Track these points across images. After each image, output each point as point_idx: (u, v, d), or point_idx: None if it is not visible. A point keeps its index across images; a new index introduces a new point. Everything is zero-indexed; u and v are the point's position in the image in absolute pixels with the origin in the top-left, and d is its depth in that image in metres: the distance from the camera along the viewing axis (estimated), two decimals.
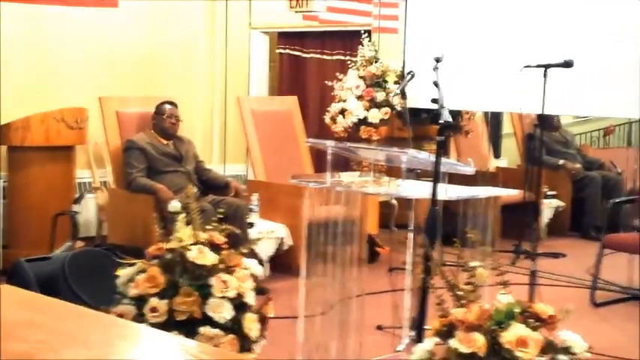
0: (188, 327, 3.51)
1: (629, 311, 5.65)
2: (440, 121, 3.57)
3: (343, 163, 6.32)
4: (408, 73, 4.14)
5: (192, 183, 5.73)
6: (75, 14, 6.77)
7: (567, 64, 4.54)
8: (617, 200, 6.93)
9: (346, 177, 4.74)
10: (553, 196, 8.20)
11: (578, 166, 8.56)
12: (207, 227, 3.79)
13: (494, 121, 9.36)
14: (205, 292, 3.55)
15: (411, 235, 4.15)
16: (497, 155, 9.38)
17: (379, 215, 6.69)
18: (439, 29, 7.11)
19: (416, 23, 7.38)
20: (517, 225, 6.90)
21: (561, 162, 8.48)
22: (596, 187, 8.44)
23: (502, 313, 2.98)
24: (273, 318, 3.89)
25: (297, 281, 4.41)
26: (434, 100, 3.70)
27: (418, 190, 4.13)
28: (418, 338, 3.49)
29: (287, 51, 8.49)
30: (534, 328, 2.96)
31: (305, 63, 8.46)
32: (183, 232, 3.67)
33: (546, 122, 6.61)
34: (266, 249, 6.03)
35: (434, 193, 3.61)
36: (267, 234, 6.07)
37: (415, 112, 6.95)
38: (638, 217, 6.44)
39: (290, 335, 4.37)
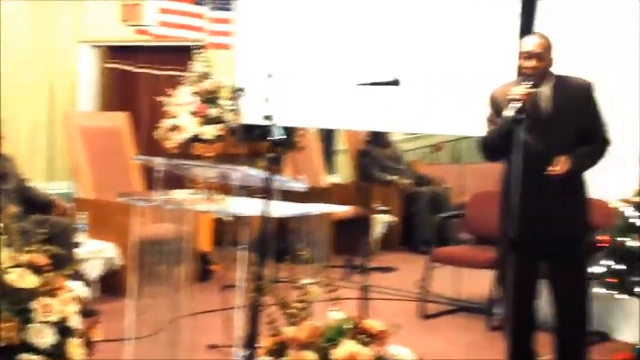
0: (8, 354, 3.31)
1: (457, 322, 5.83)
2: (271, 138, 3.55)
3: (177, 180, 6.19)
4: (239, 90, 4.11)
5: (13, 202, 5.45)
6: None
7: (394, 83, 4.63)
8: (445, 215, 7.15)
9: (179, 194, 4.64)
10: (384, 212, 8.36)
11: (408, 181, 8.78)
12: (29, 248, 3.60)
13: (327, 137, 9.47)
14: (26, 317, 3.37)
15: (243, 253, 4.10)
16: (330, 171, 9.48)
17: (213, 232, 6.61)
18: (272, 45, 7.11)
19: (248, 39, 7.36)
20: (349, 240, 6.98)
21: (392, 178, 8.67)
22: (425, 202, 8.70)
23: (333, 329, 2.99)
24: (101, 341, 3.73)
25: (129, 302, 4.28)
26: (266, 117, 3.68)
27: (251, 207, 4.09)
28: (250, 357, 3.43)
29: (117, 65, 8.27)
30: (365, 344, 2.97)
31: (136, 78, 8.27)
32: (3, 255, 3.48)
33: (378, 139, 6.74)
34: (95, 269, 5.83)
35: (265, 211, 3.58)
36: (96, 254, 5.87)
37: (249, 129, 6.91)
38: (465, 230, 6.66)
39: (119, 358, 4.22)
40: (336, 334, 2.94)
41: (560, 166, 3.89)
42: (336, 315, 3.04)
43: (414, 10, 6.45)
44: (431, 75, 6.31)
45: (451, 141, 10.84)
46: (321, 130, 8.93)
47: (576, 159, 3.95)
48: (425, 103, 6.37)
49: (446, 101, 6.32)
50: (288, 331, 2.96)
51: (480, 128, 4.34)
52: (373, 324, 3.04)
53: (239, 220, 4.28)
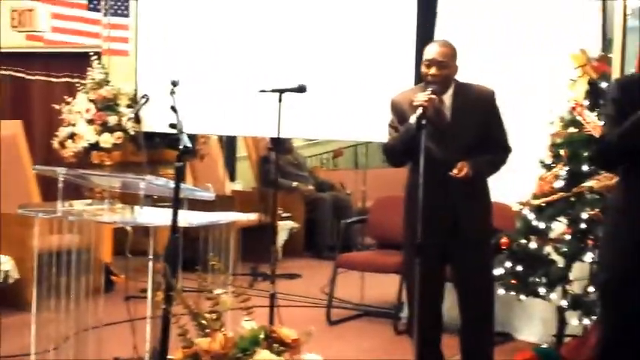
0: None
1: (363, 327, 5.87)
2: (179, 147, 3.49)
3: (74, 190, 6.03)
4: (142, 97, 4.02)
5: None
6: None
7: (301, 89, 4.63)
8: (349, 220, 7.20)
9: (79, 205, 4.53)
10: (287, 218, 8.35)
11: (310, 187, 8.81)
12: None
13: (228, 144, 9.41)
14: None
15: (150, 263, 4.02)
16: (232, 178, 9.43)
17: (113, 242, 6.46)
18: (174, 52, 7.03)
19: (148, 45, 7.25)
20: (253, 248, 6.92)
21: (294, 184, 8.68)
22: (327, 208, 8.74)
23: (246, 340, 2.96)
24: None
25: (27, 316, 4.14)
26: (172, 125, 3.62)
27: (158, 217, 4.02)
28: None
29: (9, 72, 8.01)
30: (279, 353, 2.96)
31: (29, 85, 8.03)
32: None
33: (280, 145, 6.74)
34: None
35: (174, 221, 3.51)
36: None
37: (148, 136, 6.81)
38: (369, 235, 6.72)
39: None
40: (249, 344, 2.91)
41: (460, 170, 3.94)
42: (249, 324, 3.01)
43: (316, 17, 6.49)
44: (331, 81, 6.36)
45: (351, 146, 10.93)
46: (222, 137, 8.88)
47: (477, 164, 4.01)
48: (325, 110, 6.41)
49: (346, 107, 6.37)
50: (201, 343, 2.92)
51: (380, 134, 4.37)
52: (286, 332, 3.02)
53: (142, 230, 4.20)
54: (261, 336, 2.96)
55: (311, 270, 7.73)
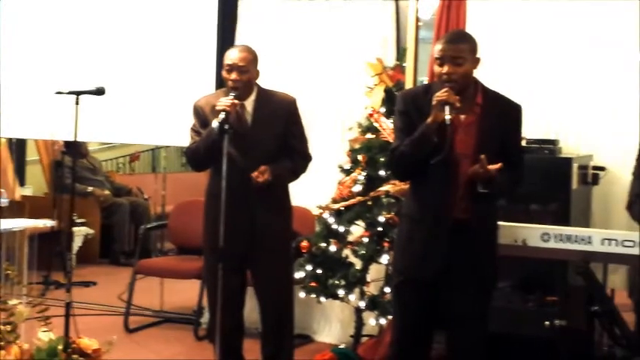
0: None
1: (163, 334, 5.77)
2: None
3: None
4: None
5: None
6: None
7: (99, 92, 4.48)
8: (148, 226, 7.08)
9: None
10: (82, 224, 8.07)
11: (106, 192, 8.57)
12: None
13: (18, 147, 8.97)
14: None
15: None
16: (22, 183, 8.99)
17: None
18: None
19: None
20: (46, 255, 6.65)
21: (90, 189, 8.41)
22: (124, 214, 8.54)
23: (44, 351, 2.83)
24: None
25: None
26: None
27: None
28: None
29: None
30: None
31: None
32: None
33: (74, 149, 6.50)
34: None
35: None
36: None
37: None
38: (169, 241, 6.62)
39: None
40: (47, 356, 2.78)
41: (261, 174, 3.96)
42: (46, 335, 2.88)
43: (116, 19, 6.35)
44: (129, 84, 6.23)
45: (148, 150, 10.76)
46: (12, 139, 8.45)
47: (277, 170, 4.04)
48: (124, 113, 6.27)
49: (145, 111, 6.27)
50: None
51: (179, 138, 4.32)
52: (87, 343, 2.92)
53: None
54: (60, 347, 2.84)
55: (107, 277, 7.52)
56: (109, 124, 6.33)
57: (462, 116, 3.43)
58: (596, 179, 4.83)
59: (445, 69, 3.36)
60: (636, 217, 4.10)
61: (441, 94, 3.30)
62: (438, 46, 3.41)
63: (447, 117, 3.26)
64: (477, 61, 3.45)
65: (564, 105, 4.94)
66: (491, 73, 3.47)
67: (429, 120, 3.32)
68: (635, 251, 3.61)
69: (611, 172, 4.84)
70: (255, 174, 3.95)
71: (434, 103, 3.31)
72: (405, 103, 3.53)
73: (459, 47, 3.39)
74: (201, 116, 4.13)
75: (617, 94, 4.89)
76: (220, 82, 4.38)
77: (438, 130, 3.30)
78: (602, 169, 4.84)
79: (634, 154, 4.24)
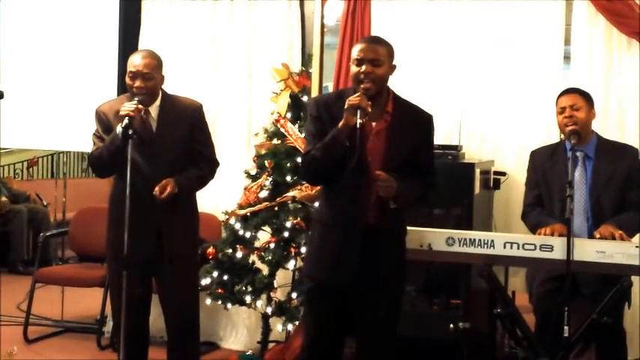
0: None
1: (65, 344, 5.63)
2: None
3: None
4: None
5: None
6: None
7: None
8: (48, 233, 6.90)
9: None
10: None
11: (4, 199, 8.32)
12: None
13: None
14: None
15: None
16: None
17: None
18: None
19: None
20: None
21: None
22: (22, 221, 8.30)
23: None
24: None
25: None
26: None
27: None
28: None
29: None
30: None
31: None
32: None
33: None
34: None
35: None
36: None
37: None
38: (70, 248, 6.46)
39: None
40: None
41: (164, 188, 3.90)
42: None
43: (17, 22, 6.18)
44: (27, 88, 6.08)
45: (47, 155, 10.49)
46: None
47: (182, 179, 4.00)
48: (22, 118, 6.11)
49: (43, 115, 6.12)
50: None
51: (80, 143, 4.22)
52: None
53: None
54: None
55: (5, 286, 7.25)
56: (5, 129, 6.14)
57: (373, 123, 3.46)
58: (497, 184, 4.95)
59: (363, 68, 3.39)
60: (530, 226, 4.22)
61: (353, 99, 3.32)
62: (358, 47, 3.44)
63: (359, 121, 3.29)
64: (393, 67, 3.50)
65: (466, 111, 5.04)
66: (395, 77, 3.50)
67: (341, 124, 3.34)
68: (536, 254, 3.71)
69: (512, 176, 4.97)
70: (156, 190, 3.89)
71: (346, 106, 3.33)
72: (317, 108, 3.54)
73: (379, 49, 3.43)
74: (104, 122, 4.04)
75: (516, 101, 5.02)
76: (123, 87, 4.30)
77: (349, 134, 3.32)
78: (503, 174, 4.96)
79: None
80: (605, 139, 4.25)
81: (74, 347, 5.53)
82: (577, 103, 4.13)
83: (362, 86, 3.39)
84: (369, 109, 3.34)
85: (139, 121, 3.88)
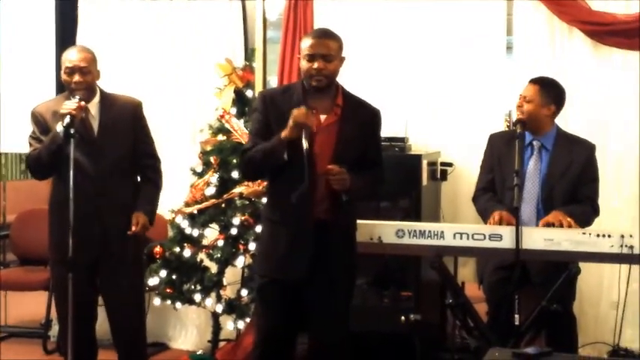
0: None
1: (10, 349, 5.47)
2: None
3: None
4: None
5: None
6: None
7: None
8: None
9: None
10: None
11: None
12: None
13: None
14: None
15: None
16: None
17: None
18: None
19: None
20: None
21: None
22: None
23: None
24: None
25: None
26: None
27: None
28: None
29: None
30: None
31: None
32: None
33: None
34: None
35: None
36: None
37: None
38: (11, 252, 6.31)
39: None
40: None
41: (136, 226, 3.89)
42: None
43: None
44: None
45: None
46: None
47: (146, 206, 3.98)
48: None
49: None
50: None
51: (18, 144, 4.11)
52: None
53: None
54: None
55: None
56: None
57: (323, 116, 3.45)
58: (444, 175, 4.96)
59: (316, 65, 3.38)
60: (479, 209, 4.24)
61: (298, 115, 3.30)
62: (308, 42, 3.42)
63: (305, 145, 3.27)
64: (342, 59, 3.49)
65: (412, 103, 5.05)
66: (340, 72, 3.49)
67: (283, 134, 3.32)
68: (485, 244, 3.72)
69: (458, 167, 4.98)
70: (131, 230, 3.89)
71: (290, 121, 3.29)
72: (263, 102, 3.53)
73: (330, 44, 3.43)
74: (41, 123, 3.95)
75: (462, 93, 5.04)
76: (61, 86, 4.20)
77: (291, 147, 3.30)
78: (449, 165, 4.97)
79: (479, 150, 4.40)
80: (565, 132, 4.22)
81: (19, 352, 5.40)
82: (530, 95, 4.09)
83: (312, 83, 3.40)
84: (314, 129, 3.33)
85: (79, 120, 3.79)
